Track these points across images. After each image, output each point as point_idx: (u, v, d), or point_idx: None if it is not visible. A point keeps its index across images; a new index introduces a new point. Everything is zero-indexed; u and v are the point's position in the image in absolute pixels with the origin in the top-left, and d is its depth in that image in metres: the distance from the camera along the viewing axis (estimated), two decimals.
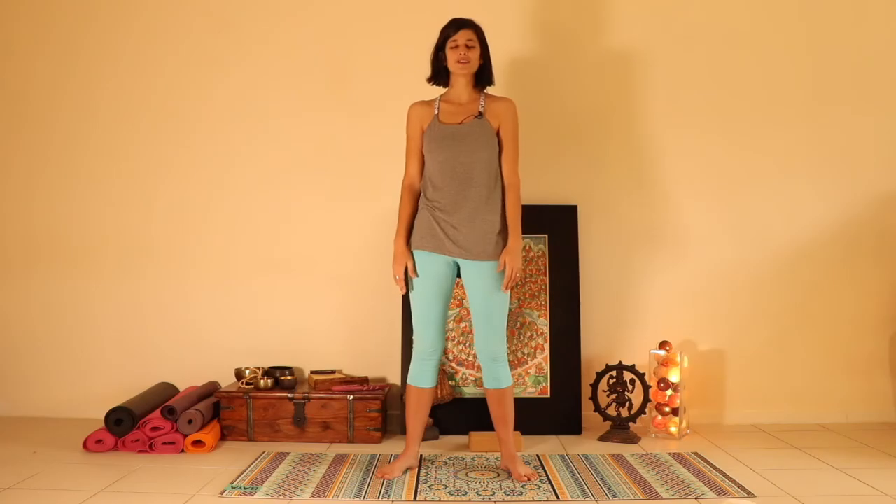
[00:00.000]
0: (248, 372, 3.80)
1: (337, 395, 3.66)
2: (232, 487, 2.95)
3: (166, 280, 4.06)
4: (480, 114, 3.12)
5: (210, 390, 3.83)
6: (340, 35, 4.03)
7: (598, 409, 3.73)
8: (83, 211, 4.09)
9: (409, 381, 3.18)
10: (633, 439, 3.64)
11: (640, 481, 3.03)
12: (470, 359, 3.82)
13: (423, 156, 3.16)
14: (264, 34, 4.05)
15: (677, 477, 3.08)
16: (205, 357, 4.02)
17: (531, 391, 3.81)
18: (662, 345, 3.80)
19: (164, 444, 3.43)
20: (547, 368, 3.83)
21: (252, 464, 3.26)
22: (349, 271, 4.01)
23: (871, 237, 4.01)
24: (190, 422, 3.48)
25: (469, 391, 3.81)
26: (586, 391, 3.81)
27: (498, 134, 3.12)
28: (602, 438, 3.67)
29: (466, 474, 3.14)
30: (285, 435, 3.66)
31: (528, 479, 3.04)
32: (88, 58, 4.09)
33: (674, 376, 3.73)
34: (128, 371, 4.04)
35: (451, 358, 3.83)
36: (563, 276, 3.87)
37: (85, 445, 3.46)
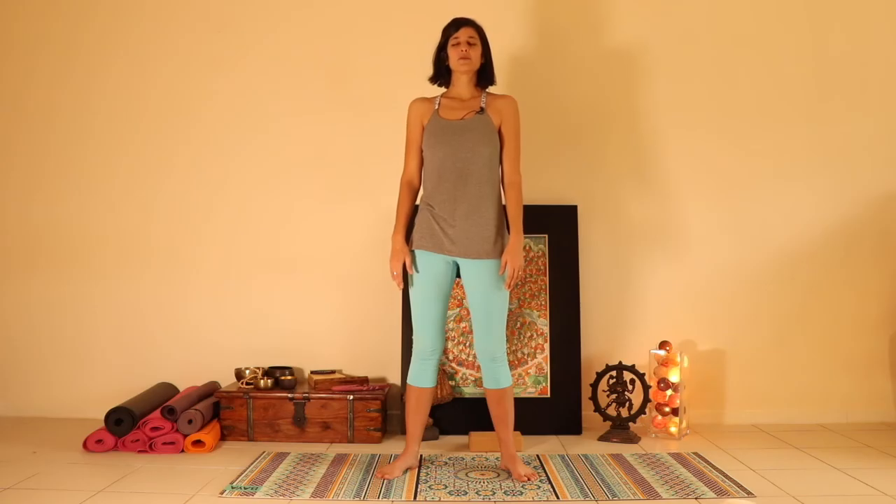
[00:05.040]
0: (248, 372, 3.80)
1: (337, 395, 3.66)
2: (232, 487, 2.95)
3: (166, 280, 4.06)
4: (482, 109, 3.12)
5: (210, 390, 3.83)
6: (340, 35, 4.03)
7: (598, 409, 3.73)
8: (83, 211, 4.09)
9: (408, 381, 3.18)
10: (633, 439, 3.64)
11: (640, 481, 3.03)
12: (470, 359, 3.82)
13: (422, 152, 3.16)
14: (264, 34, 4.05)
15: (677, 477, 3.08)
16: (205, 357, 4.02)
17: (531, 391, 3.81)
18: (662, 345, 3.80)
19: (164, 444, 3.43)
20: (547, 368, 3.83)
21: (252, 464, 3.26)
22: (349, 271, 4.01)
23: (871, 237, 4.01)
24: (190, 422, 3.48)
25: (469, 391, 3.81)
26: (586, 391, 3.81)
27: (499, 131, 3.12)
28: (602, 438, 3.67)
29: (466, 474, 3.14)
30: (285, 435, 3.66)
31: (528, 479, 3.04)
32: (88, 58, 4.09)
33: (674, 376, 3.73)
34: (128, 371, 4.04)
35: (451, 358, 3.83)
36: (563, 276, 3.87)
37: (85, 445, 3.46)
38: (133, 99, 4.08)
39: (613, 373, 3.74)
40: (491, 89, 3.22)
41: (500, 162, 3.14)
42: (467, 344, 3.84)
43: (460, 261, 3.09)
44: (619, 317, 4.00)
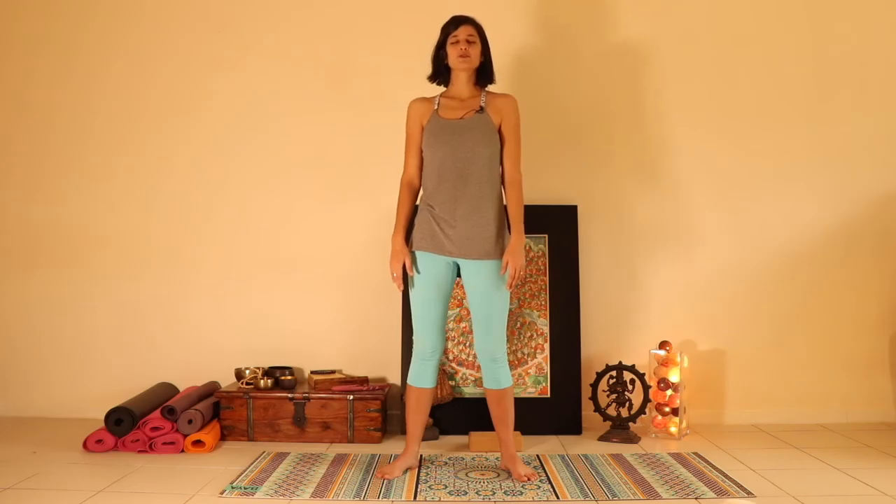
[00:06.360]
0: (248, 372, 3.80)
1: (337, 395, 3.66)
2: (232, 487, 2.95)
3: (166, 280, 4.06)
4: (482, 108, 3.11)
5: (210, 390, 3.83)
6: (340, 35, 4.03)
7: (598, 409, 3.73)
8: (83, 211, 4.09)
9: (409, 381, 3.18)
10: (633, 439, 3.64)
11: (640, 481, 3.03)
12: (470, 359, 3.82)
13: (422, 152, 3.16)
14: (264, 34, 4.05)
15: (677, 477, 3.08)
16: (205, 357, 4.02)
17: (531, 391, 3.81)
18: (662, 345, 3.80)
19: (164, 444, 3.43)
20: (547, 368, 3.83)
21: (252, 464, 3.26)
22: (349, 271, 4.01)
23: (871, 237, 4.01)
24: (190, 422, 3.48)
25: (469, 391, 3.81)
26: (586, 391, 3.81)
27: (500, 130, 3.12)
28: (602, 438, 3.67)
29: (466, 474, 3.14)
30: (285, 435, 3.66)
31: (528, 479, 3.04)
32: (88, 58, 4.09)
33: (674, 376, 3.73)
34: (128, 371, 4.04)
35: (451, 358, 3.83)
36: (563, 276, 3.87)
37: (85, 445, 3.46)
38: (133, 99, 4.08)
39: (613, 373, 3.74)
40: (490, 88, 3.22)
41: (501, 161, 3.13)
42: (467, 344, 3.84)
43: (461, 261, 3.08)
44: (619, 317, 4.00)
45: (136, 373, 4.02)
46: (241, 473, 3.12)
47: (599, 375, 3.74)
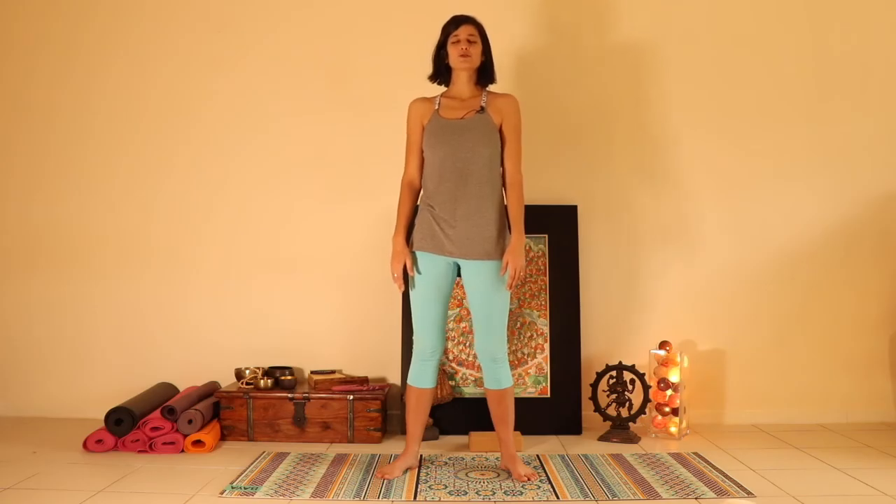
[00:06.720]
0: (248, 372, 3.80)
1: (337, 395, 3.66)
2: (232, 487, 2.95)
3: (166, 280, 4.06)
4: (482, 108, 3.11)
5: (210, 390, 3.83)
6: (340, 35, 4.03)
7: (598, 409, 3.73)
8: (83, 211, 4.09)
9: (409, 381, 3.18)
10: (633, 439, 3.64)
11: (640, 481, 3.03)
12: (470, 359, 3.82)
13: (422, 152, 3.16)
14: (264, 34, 4.05)
15: (677, 477, 3.08)
16: (205, 357, 4.02)
17: (531, 391, 3.81)
18: (662, 345, 3.80)
19: (164, 444, 3.43)
20: (547, 368, 3.83)
21: (252, 464, 3.26)
22: (349, 271, 4.01)
23: (871, 237, 4.01)
24: (190, 422, 3.48)
25: (469, 391, 3.81)
26: (586, 391, 3.81)
27: (500, 130, 3.12)
28: (602, 438, 3.67)
29: (466, 474, 3.14)
30: (285, 435, 3.66)
31: (528, 479, 3.04)
32: (88, 58, 4.09)
33: (674, 376, 3.73)
34: (128, 371, 4.04)
35: (451, 358, 3.83)
36: (563, 276, 3.87)
37: (85, 445, 3.46)
38: (133, 99, 4.08)
39: (613, 373, 3.74)
40: (491, 88, 3.22)
41: (502, 162, 3.13)
42: (467, 344, 3.84)
43: (461, 262, 3.08)
44: (619, 317, 4.00)
45: (136, 373, 4.02)
46: (241, 473, 3.13)
47: (599, 375, 3.74)
